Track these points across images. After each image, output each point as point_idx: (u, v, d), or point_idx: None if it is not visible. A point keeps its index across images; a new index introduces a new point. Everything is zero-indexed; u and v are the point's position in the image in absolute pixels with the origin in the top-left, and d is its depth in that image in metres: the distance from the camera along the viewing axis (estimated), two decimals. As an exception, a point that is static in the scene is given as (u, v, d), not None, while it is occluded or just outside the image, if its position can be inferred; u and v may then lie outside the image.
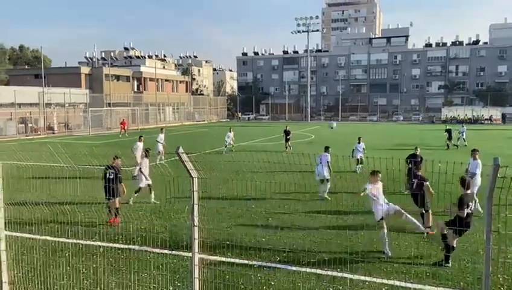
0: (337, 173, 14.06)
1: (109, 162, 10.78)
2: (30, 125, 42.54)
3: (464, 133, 29.47)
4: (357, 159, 18.13)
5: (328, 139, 32.55)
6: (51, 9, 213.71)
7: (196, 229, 5.46)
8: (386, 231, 8.12)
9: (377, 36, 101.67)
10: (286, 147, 25.43)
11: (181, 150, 5.16)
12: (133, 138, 36.01)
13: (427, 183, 9.56)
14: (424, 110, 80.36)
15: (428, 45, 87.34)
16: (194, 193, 5.52)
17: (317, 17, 78.41)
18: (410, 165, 11.11)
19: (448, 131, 27.62)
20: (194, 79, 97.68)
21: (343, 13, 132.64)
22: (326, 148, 13.88)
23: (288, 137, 26.12)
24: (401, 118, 75.28)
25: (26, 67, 72.59)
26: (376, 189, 8.45)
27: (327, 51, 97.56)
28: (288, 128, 27.09)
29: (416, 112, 79.03)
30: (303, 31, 77.08)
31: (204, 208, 10.41)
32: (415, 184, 9.69)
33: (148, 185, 12.41)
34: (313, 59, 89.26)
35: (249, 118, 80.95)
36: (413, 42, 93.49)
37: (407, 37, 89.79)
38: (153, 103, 61.79)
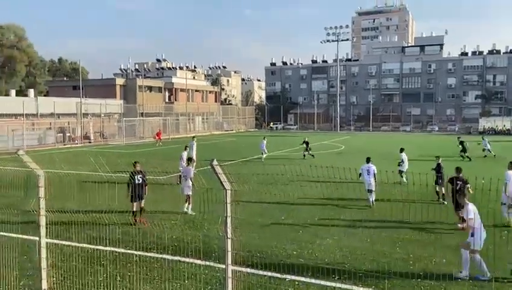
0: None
1: (137, 169, 11.60)
2: (68, 134, 44.16)
3: (488, 144, 28.85)
4: (399, 171, 17.68)
5: (359, 150, 32.00)
6: (88, 24, 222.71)
7: (229, 241, 5.49)
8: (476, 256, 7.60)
9: (409, 45, 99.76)
10: (312, 155, 27.42)
11: (215, 162, 5.23)
12: (168, 147, 36.98)
13: (468, 185, 10.85)
14: (461, 120, 77.78)
15: (464, 54, 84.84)
16: (227, 205, 5.56)
17: (347, 26, 78.07)
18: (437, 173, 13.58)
19: (462, 143, 27.05)
20: (223, 89, 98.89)
21: (374, 22, 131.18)
22: (368, 159, 14.29)
23: (308, 147, 27.97)
24: (436, 129, 73.16)
25: (65, 78, 75.64)
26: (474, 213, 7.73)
27: (357, 60, 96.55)
28: (307, 139, 28.75)
29: (452, 123, 76.64)
30: (332, 41, 76.79)
31: (237, 220, 10.44)
32: (458, 186, 10.88)
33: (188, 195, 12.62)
34: (342, 68, 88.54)
35: (276, 127, 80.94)
36: (448, 51, 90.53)
37: (441, 45, 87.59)
38: (183, 113, 62.94)
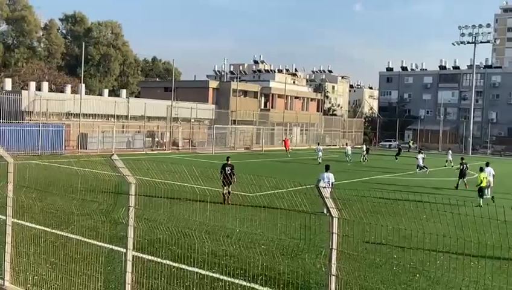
0: None
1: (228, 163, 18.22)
2: (156, 139, 47.59)
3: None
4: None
5: (499, 182, 29.04)
6: (184, 23, 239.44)
7: (333, 278, 5.40)
8: None
9: None
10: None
11: (322, 183, 5.21)
12: (295, 158, 38.11)
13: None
14: None
15: None
16: (333, 235, 5.48)
17: (488, 25, 72.55)
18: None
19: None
20: (327, 97, 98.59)
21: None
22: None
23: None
24: None
25: (157, 79, 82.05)
26: None
27: (500, 67, 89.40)
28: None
29: None
30: (468, 43, 71.93)
31: (344, 254, 10.24)
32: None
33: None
34: (479, 77, 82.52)
35: (390, 145, 77.88)
36: None
37: None
38: (279, 122, 63.81)
